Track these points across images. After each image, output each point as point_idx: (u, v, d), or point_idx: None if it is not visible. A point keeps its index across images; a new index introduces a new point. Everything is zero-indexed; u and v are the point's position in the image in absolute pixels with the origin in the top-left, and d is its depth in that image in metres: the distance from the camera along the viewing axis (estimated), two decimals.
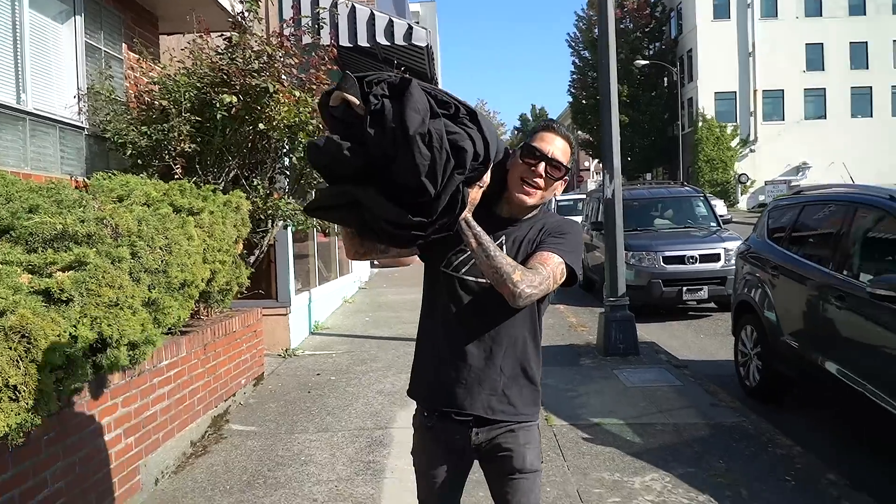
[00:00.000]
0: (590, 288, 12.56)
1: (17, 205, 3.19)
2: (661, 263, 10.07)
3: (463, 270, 2.16)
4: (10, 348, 2.38)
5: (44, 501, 3.10)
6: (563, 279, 2.11)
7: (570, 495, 4.01)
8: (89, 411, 3.50)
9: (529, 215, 2.23)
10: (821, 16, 44.79)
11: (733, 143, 44.45)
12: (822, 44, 45.01)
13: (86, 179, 5.01)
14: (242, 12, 6.14)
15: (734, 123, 44.74)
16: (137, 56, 6.03)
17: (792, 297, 5.61)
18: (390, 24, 10.26)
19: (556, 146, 2.17)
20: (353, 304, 11.98)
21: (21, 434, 2.57)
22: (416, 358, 2.31)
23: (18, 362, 2.40)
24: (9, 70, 4.75)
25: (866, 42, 44.82)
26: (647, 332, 8.63)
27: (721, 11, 44.64)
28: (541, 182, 2.15)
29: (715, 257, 10.07)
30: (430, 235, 1.94)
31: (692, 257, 10.00)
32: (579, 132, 49.03)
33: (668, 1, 47.27)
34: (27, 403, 2.46)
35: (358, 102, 1.83)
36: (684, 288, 9.94)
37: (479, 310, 2.14)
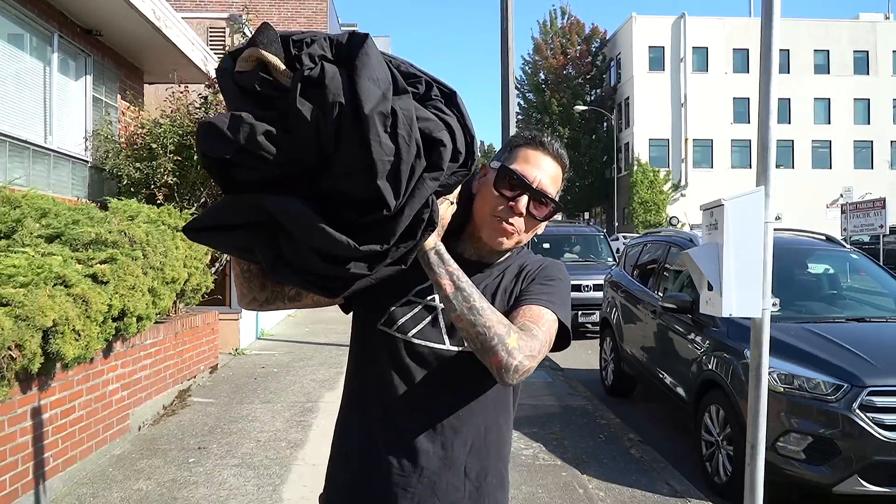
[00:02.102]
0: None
1: (62, 219, 4.68)
2: None
3: (413, 332, 1.54)
4: (77, 306, 3.90)
5: (73, 422, 4.57)
6: (553, 341, 1.53)
7: None
8: (101, 366, 4.97)
9: (502, 257, 1.65)
10: (748, 72, 48.02)
11: (666, 188, 46.87)
12: (748, 98, 48.17)
13: (86, 200, 6.49)
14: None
15: (667, 169, 47.23)
16: (128, 104, 7.56)
17: (630, 313, 7.39)
18: None
19: (544, 171, 1.57)
20: (294, 318, 13.43)
21: (76, 363, 4.07)
22: (333, 454, 1.64)
23: (80, 316, 3.92)
24: (40, 118, 6.22)
25: (789, 99, 48.05)
26: None
27: (656, 64, 47.55)
28: (519, 224, 1.56)
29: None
30: (377, 276, 1.35)
31: (587, 286, 11.79)
32: None
33: (609, 51, 50.16)
34: (83, 343, 3.98)
35: (282, 67, 1.25)
36: (580, 312, 11.73)
37: (435, 387, 1.53)
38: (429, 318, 1.55)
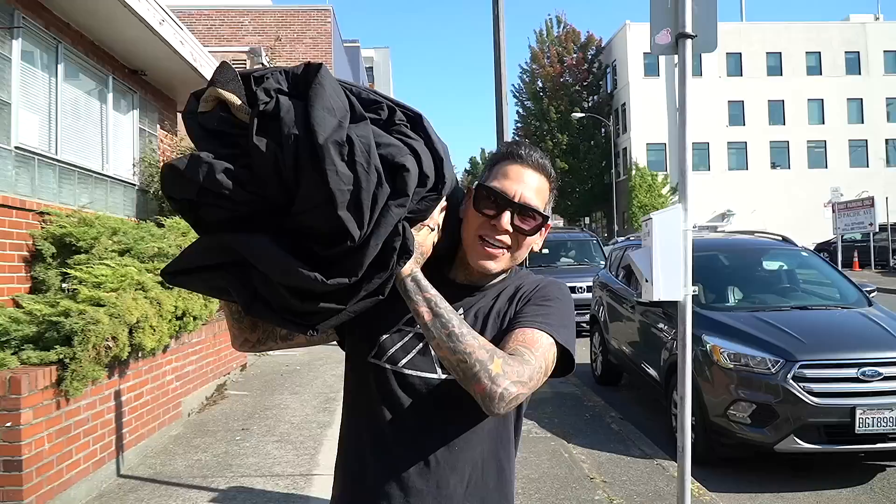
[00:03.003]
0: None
1: (130, 236, 5.61)
2: None
3: (403, 361, 1.49)
4: (153, 307, 4.83)
5: (142, 405, 5.50)
6: (553, 367, 1.45)
7: None
8: (160, 360, 5.90)
9: (496, 280, 1.59)
10: (741, 76, 48.85)
11: (664, 191, 47.51)
12: (742, 101, 49.02)
13: (135, 219, 7.45)
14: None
15: (665, 172, 47.90)
16: (166, 133, 8.52)
17: (614, 310, 8.29)
18: None
19: (526, 184, 1.51)
20: None
21: (151, 353, 5.00)
22: (334, 488, 1.61)
23: (155, 315, 4.86)
24: (99, 148, 7.16)
25: (783, 100, 48.87)
26: None
27: (651, 69, 48.39)
28: (506, 240, 1.50)
29: None
30: (353, 309, 1.31)
31: (581, 287, 12.67)
32: None
33: (605, 58, 51.08)
34: (157, 337, 4.91)
35: (239, 103, 1.25)
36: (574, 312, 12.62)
37: (427, 420, 1.46)
38: (419, 347, 1.48)
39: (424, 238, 1.43)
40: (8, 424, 3.82)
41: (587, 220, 52.52)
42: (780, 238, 7.58)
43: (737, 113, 49.48)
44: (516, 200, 1.48)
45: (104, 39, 6.73)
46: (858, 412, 4.98)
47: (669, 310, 6.44)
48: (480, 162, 76.57)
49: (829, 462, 5.62)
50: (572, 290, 12.73)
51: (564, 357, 1.47)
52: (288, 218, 1.25)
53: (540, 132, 48.56)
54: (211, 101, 1.27)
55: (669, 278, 3.57)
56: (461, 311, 1.50)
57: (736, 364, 5.43)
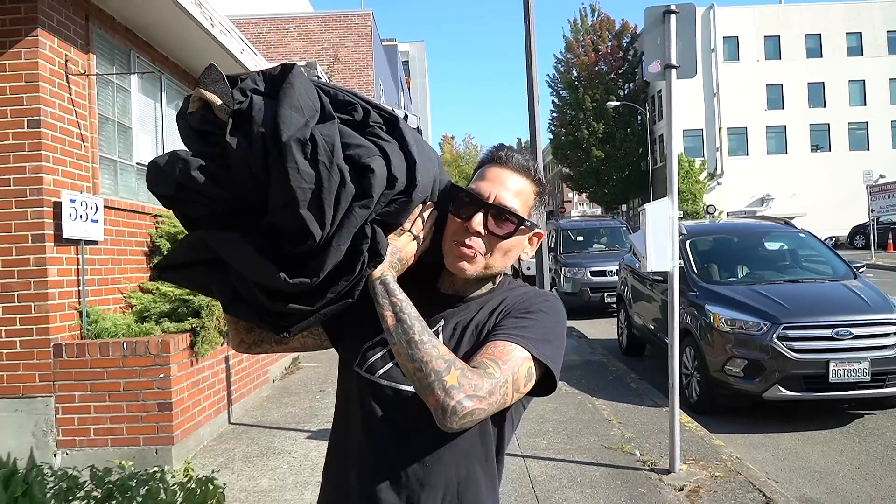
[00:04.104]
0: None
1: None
2: (589, 276, 13.86)
3: (380, 372, 1.43)
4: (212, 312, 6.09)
5: (242, 370, 6.78)
6: (531, 385, 1.36)
7: None
8: None
9: (481, 290, 1.51)
10: (780, 59, 48.67)
11: (701, 177, 47.56)
12: (781, 84, 48.81)
13: None
14: None
15: (702, 158, 47.90)
16: None
17: (636, 288, 9.34)
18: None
19: (503, 185, 1.44)
20: None
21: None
22: (319, 496, 1.58)
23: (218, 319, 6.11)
24: (154, 146, 8.33)
25: (823, 82, 48.56)
26: (576, 324, 12.34)
27: None
28: (478, 244, 1.42)
29: None
30: (320, 312, 1.32)
31: (611, 271, 13.70)
32: (560, 167, 52.55)
33: (640, 45, 51.31)
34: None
35: (220, 102, 1.26)
36: (605, 294, 13.67)
37: (399, 433, 1.41)
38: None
39: (405, 245, 1.40)
40: (161, 376, 5.10)
41: (624, 207, 52.98)
42: (783, 222, 8.57)
43: (775, 96, 49.18)
44: (490, 201, 1.42)
45: (195, 68, 7.97)
46: (832, 364, 6.01)
47: (681, 285, 7.50)
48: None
49: (814, 409, 6.63)
50: (602, 273, 13.78)
51: (546, 375, 1.38)
52: (263, 217, 1.27)
53: (576, 121, 49.16)
54: (196, 102, 1.30)
55: (660, 254, 4.66)
56: (442, 322, 1.45)
57: (732, 328, 6.48)
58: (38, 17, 5.07)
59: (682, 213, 43.95)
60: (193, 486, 2.93)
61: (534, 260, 14.54)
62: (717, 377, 6.53)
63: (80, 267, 5.37)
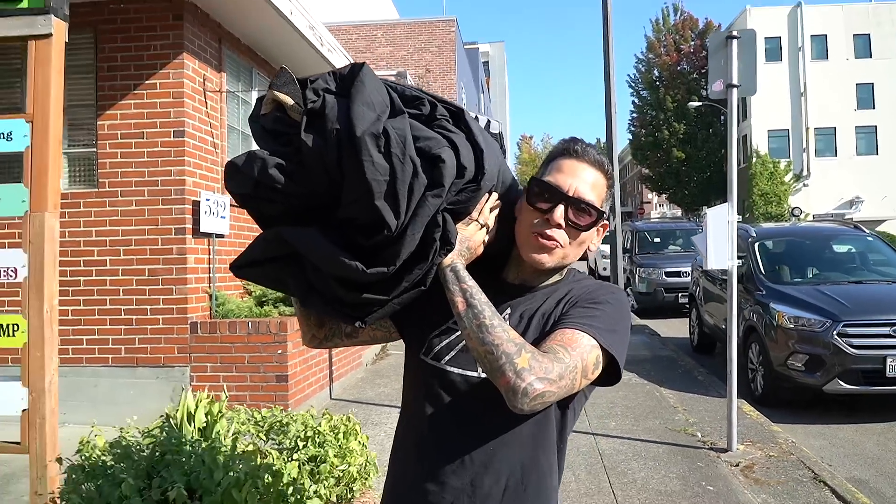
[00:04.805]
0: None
1: None
2: (663, 277, 14.24)
3: (446, 358, 1.50)
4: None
5: (340, 353, 7.60)
6: (598, 373, 1.40)
7: None
8: None
9: (548, 281, 1.55)
10: (871, 57, 47.03)
11: (787, 178, 46.44)
12: (872, 83, 47.14)
13: None
14: None
15: (788, 159, 46.76)
16: None
17: (706, 288, 9.75)
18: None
19: (581, 178, 1.47)
20: None
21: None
22: (385, 482, 1.67)
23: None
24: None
25: (872, 83, 46.40)
26: (649, 323, 12.77)
27: (773, 55, 47.28)
28: (560, 236, 1.46)
29: None
30: (395, 301, 1.37)
31: (685, 272, 14.01)
32: (639, 168, 52.13)
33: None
34: None
35: (292, 103, 1.33)
36: (679, 294, 14.02)
37: (465, 418, 1.47)
38: (462, 344, 1.46)
39: (472, 233, 1.43)
40: (279, 351, 5.95)
41: (704, 209, 51.95)
42: (853, 226, 8.86)
43: (865, 96, 47.55)
44: (570, 194, 1.45)
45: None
46: (889, 360, 6.36)
47: (747, 284, 7.94)
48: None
49: (873, 403, 6.97)
50: (677, 273, 14.12)
51: (612, 364, 1.41)
52: (336, 211, 1.32)
53: (656, 122, 48.80)
54: (269, 104, 1.35)
55: (720, 254, 5.19)
56: (508, 310, 1.49)
57: (795, 325, 6.90)
58: (184, 42, 6.01)
59: (757, 215, 43.47)
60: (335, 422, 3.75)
61: (608, 260, 15.04)
62: (780, 371, 6.95)
63: (210, 256, 6.29)
